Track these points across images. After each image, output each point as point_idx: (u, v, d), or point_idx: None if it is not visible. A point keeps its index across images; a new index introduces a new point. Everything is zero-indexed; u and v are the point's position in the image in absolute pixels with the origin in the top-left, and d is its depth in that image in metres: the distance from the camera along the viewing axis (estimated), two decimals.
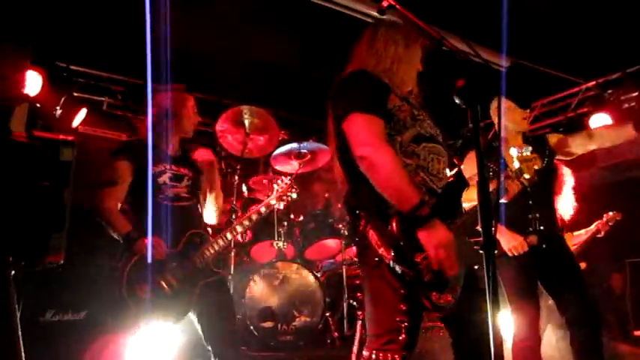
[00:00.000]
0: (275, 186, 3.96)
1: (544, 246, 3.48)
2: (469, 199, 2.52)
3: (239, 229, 3.56)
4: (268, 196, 3.85)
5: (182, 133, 3.52)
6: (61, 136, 1.71)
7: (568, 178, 4.28)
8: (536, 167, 3.17)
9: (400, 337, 2.13)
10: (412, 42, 2.46)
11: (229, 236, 3.44)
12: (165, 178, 3.32)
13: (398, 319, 2.14)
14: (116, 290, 3.09)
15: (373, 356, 2.17)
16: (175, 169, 3.40)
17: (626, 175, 7.75)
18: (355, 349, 4.08)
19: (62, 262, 1.73)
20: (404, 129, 2.31)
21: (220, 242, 3.35)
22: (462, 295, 2.24)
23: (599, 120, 6.34)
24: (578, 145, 3.73)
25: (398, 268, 2.11)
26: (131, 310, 3.06)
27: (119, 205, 3.30)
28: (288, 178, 4.01)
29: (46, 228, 1.65)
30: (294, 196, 3.98)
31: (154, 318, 3.07)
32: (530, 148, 3.40)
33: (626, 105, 6.27)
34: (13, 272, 1.63)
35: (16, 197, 1.63)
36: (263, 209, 3.70)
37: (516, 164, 3.27)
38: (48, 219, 1.65)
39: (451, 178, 2.37)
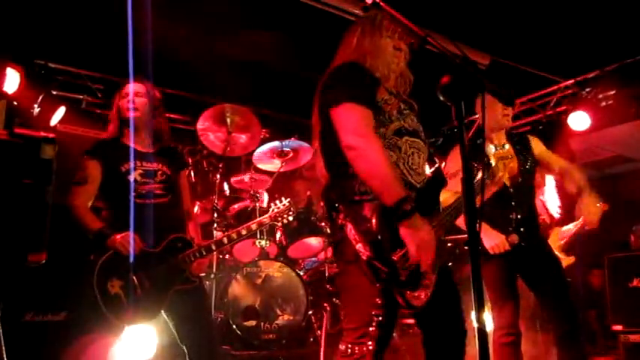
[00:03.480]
0: (272, 205, 3.98)
1: (523, 244, 3.52)
2: (444, 200, 2.52)
3: (225, 241, 3.54)
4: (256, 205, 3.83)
5: (147, 128, 3.43)
6: (43, 134, 1.69)
7: (551, 179, 4.31)
8: (512, 165, 3.19)
9: (375, 332, 2.15)
10: (398, 36, 2.46)
11: (214, 247, 3.42)
12: (135, 175, 3.27)
13: (373, 312, 2.16)
14: (86, 285, 3.05)
15: (349, 350, 2.19)
16: (147, 165, 3.36)
17: (605, 171, 7.88)
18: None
19: (44, 261, 1.71)
20: (389, 122, 2.32)
21: (204, 252, 3.31)
22: (436, 292, 2.24)
23: (578, 118, 6.42)
24: (559, 169, 3.77)
25: (374, 265, 2.10)
26: (98, 306, 3.01)
27: (89, 203, 3.29)
28: (288, 200, 3.98)
29: (28, 227, 1.63)
30: (291, 218, 3.99)
31: (122, 316, 3.03)
32: (507, 146, 3.43)
33: (604, 103, 6.35)
34: None
35: None
36: (254, 226, 3.70)
37: (493, 162, 3.30)
38: (30, 218, 1.63)
39: (430, 175, 2.38)
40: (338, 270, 2.45)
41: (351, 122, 2.22)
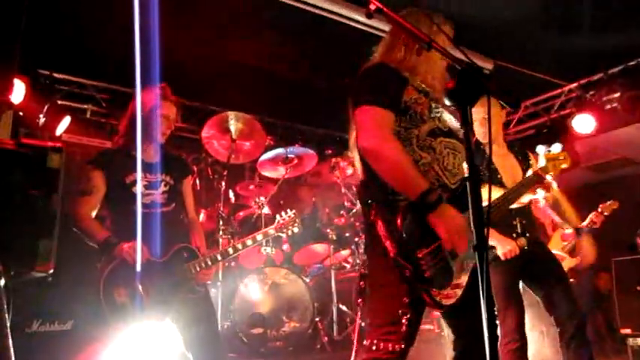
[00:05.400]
0: (277, 216, 4.00)
1: (526, 248, 3.52)
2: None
3: (231, 251, 3.54)
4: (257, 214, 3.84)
5: (152, 139, 3.40)
6: (50, 143, 1.69)
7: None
8: (564, 166, 3.17)
9: (402, 329, 2.15)
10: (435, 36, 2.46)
11: (219, 257, 3.42)
12: (139, 186, 3.28)
13: (400, 311, 2.16)
14: (93, 294, 3.06)
15: (373, 346, 2.19)
16: (150, 176, 3.35)
17: (610, 174, 7.85)
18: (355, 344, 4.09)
19: (52, 271, 1.71)
20: (421, 122, 2.33)
21: (209, 262, 3.31)
22: (468, 293, 2.23)
23: (582, 121, 6.41)
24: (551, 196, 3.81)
25: (399, 262, 2.12)
26: (105, 315, 3.01)
27: (94, 213, 3.28)
28: (293, 212, 4.01)
29: (35, 237, 1.63)
30: (296, 230, 3.99)
31: (128, 324, 3.03)
32: (559, 146, 3.38)
33: (609, 106, 6.34)
34: (3, 282, 1.60)
35: (5, 205, 1.61)
36: (260, 236, 3.70)
37: (543, 162, 3.26)
38: (37, 227, 1.63)
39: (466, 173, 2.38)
40: (368, 265, 2.47)
41: (366, 125, 2.26)
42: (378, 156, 2.22)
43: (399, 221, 2.14)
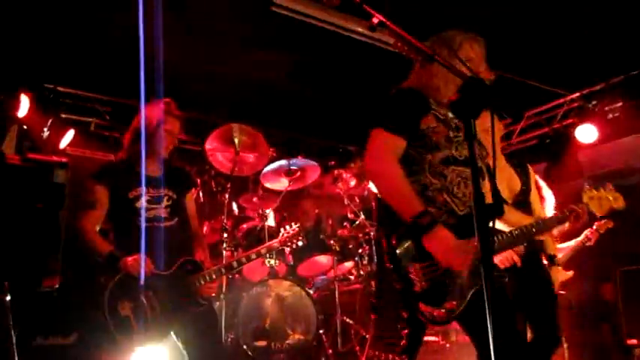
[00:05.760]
0: (281, 230, 4.03)
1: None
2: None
3: (235, 265, 3.55)
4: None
5: (156, 154, 3.42)
6: (55, 158, 1.69)
7: (549, 197, 4.30)
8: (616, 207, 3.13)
9: (402, 342, 2.21)
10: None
11: (224, 270, 3.43)
12: (142, 201, 3.29)
13: (399, 325, 2.22)
14: (97, 307, 3.05)
15: (375, 358, 2.26)
16: (153, 191, 3.37)
17: (614, 183, 7.81)
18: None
19: (57, 286, 1.71)
20: (436, 149, 2.38)
21: (213, 275, 3.32)
22: (472, 312, 2.22)
23: (585, 131, 6.41)
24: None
25: (394, 277, 2.21)
26: (108, 328, 3.00)
27: (98, 227, 3.28)
28: (297, 225, 4.05)
29: (41, 252, 1.63)
30: (300, 243, 4.02)
31: (132, 338, 3.02)
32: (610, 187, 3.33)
33: (611, 115, 6.34)
34: (9, 297, 1.60)
35: (11, 221, 1.61)
36: (263, 250, 3.71)
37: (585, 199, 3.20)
38: (43, 242, 1.63)
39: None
40: (377, 279, 2.58)
41: (373, 147, 2.37)
42: (379, 178, 2.35)
43: (394, 239, 2.24)
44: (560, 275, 4.69)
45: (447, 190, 2.35)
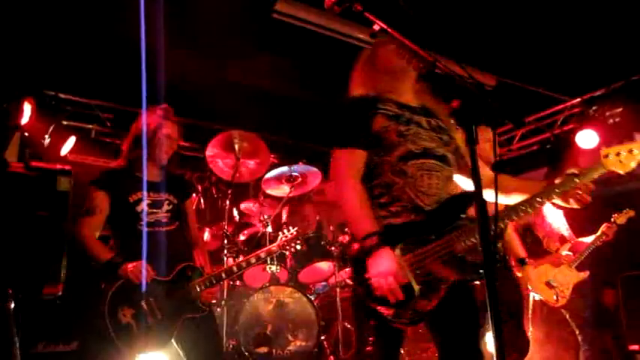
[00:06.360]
0: (280, 234, 4.04)
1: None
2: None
3: (235, 270, 3.55)
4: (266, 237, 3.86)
5: (156, 159, 3.44)
6: (59, 166, 1.70)
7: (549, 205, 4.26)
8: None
9: (368, 349, 2.23)
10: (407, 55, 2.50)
11: (224, 276, 3.42)
12: (142, 206, 3.29)
13: (365, 332, 2.26)
14: (98, 314, 3.05)
15: None
16: (154, 195, 3.37)
17: (615, 189, 7.81)
18: None
19: (60, 294, 1.71)
20: (392, 148, 2.38)
21: (214, 281, 3.31)
22: (443, 309, 2.22)
23: (586, 136, 6.41)
24: None
25: (356, 282, 2.29)
26: (110, 335, 2.99)
27: (97, 233, 3.29)
28: (295, 229, 4.06)
29: (44, 260, 1.63)
30: (299, 247, 4.04)
31: (133, 345, 3.02)
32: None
33: (611, 120, 6.34)
34: (13, 305, 1.60)
35: (15, 229, 1.61)
36: (263, 254, 3.71)
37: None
38: (46, 250, 1.63)
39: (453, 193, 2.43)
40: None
41: (332, 169, 2.45)
42: (339, 197, 2.42)
43: (356, 247, 2.30)
44: (576, 277, 4.59)
45: (410, 186, 2.35)
